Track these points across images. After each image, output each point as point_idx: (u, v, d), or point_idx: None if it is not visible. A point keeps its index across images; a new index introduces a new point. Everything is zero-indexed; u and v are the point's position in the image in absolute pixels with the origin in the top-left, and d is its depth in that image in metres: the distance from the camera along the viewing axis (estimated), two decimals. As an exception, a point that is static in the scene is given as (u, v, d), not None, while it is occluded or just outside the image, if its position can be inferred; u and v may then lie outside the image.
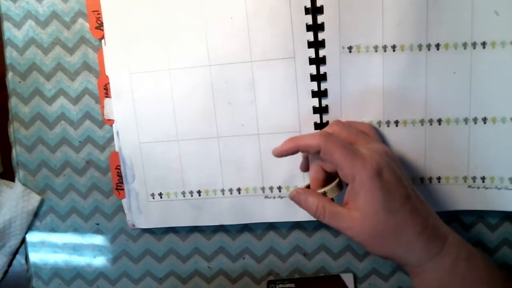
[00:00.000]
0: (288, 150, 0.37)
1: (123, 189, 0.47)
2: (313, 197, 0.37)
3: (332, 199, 0.38)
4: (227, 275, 0.49)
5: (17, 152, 0.48)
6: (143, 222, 0.46)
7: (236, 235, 0.48)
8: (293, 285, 0.47)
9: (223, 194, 0.45)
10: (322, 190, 0.37)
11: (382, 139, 0.43)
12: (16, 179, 0.48)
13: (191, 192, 0.45)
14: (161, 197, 0.46)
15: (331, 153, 0.35)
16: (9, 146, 0.48)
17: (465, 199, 0.44)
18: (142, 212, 0.46)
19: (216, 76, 0.43)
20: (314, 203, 0.36)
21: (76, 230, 0.49)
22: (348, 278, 0.47)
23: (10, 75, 0.47)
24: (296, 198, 0.38)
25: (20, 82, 0.47)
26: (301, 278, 0.47)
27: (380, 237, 0.34)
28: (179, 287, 0.49)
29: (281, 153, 0.38)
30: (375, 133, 0.41)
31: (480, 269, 0.35)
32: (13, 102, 0.47)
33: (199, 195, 0.45)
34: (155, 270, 0.49)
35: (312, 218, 0.44)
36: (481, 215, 0.46)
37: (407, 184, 0.36)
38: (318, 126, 0.43)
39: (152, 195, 0.46)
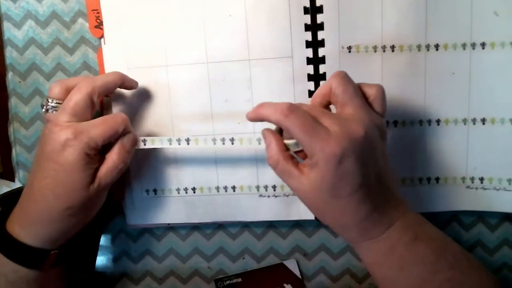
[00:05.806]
0: (255, 119, 0.37)
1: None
2: (274, 145, 0.36)
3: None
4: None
5: (17, 152, 0.48)
6: (137, 218, 0.46)
7: (236, 235, 0.48)
8: (239, 279, 0.48)
9: (218, 191, 0.45)
10: (286, 142, 0.36)
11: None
12: (16, 179, 0.48)
13: (186, 189, 0.45)
14: (155, 193, 0.46)
15: (291, 131, 0.34)
16: (9, 146, 0.48)
17: (463, 200, 0.44)
18: (136, 208, 0.46)
19: (214, 74, 0.43)
20: (272, 151, 0.36)
21: (76, 230, 0.49)
22: (291, 264, 0.47)
23: (10, 75, 0.47)
24: (263, 135, 0.37)
25: (20, 82, 0.47)
26: (246, 271, 0.48)
27: (320, 211, 0.35)
28: (179, 287, 0.49)
29: (249, 120, 0.37)
30: (379, 99, 0.36)
31: (424, 253, 0.35)
32: (13, 102, 0.47)
33: (194, 192, 0.45)
34: (155, 270, 0.49)
35: (312, 218, 0.45)
36: (481, 215, 0.46)
37: (370, 173, 0.34)
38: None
39: (147, 191, 0.46)
